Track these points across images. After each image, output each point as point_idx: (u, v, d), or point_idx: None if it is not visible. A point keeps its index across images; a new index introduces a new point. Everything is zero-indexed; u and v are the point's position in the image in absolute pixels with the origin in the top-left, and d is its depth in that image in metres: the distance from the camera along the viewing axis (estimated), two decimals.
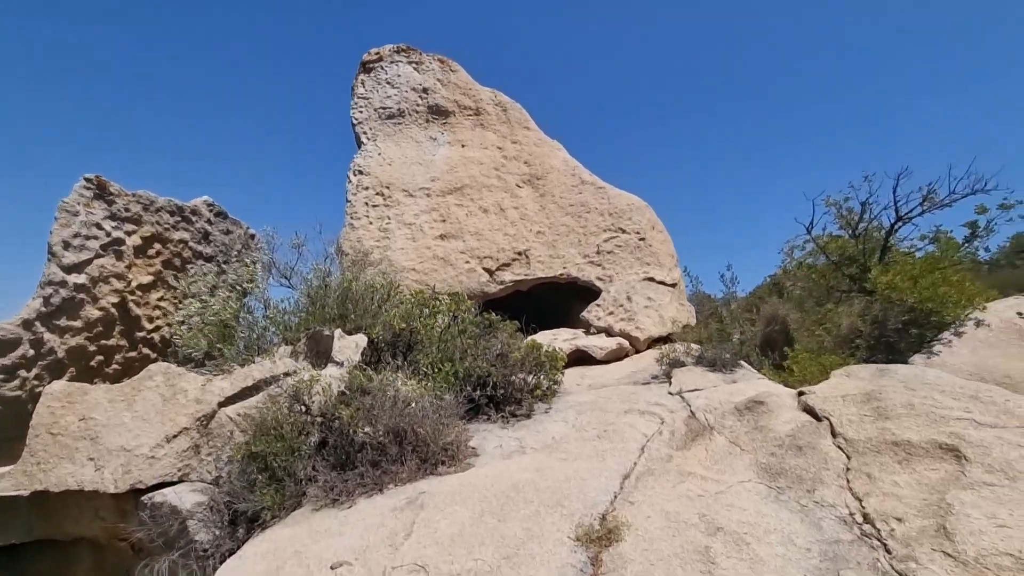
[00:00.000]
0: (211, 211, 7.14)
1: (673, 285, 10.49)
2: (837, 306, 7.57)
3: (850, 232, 8.50)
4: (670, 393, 5.64)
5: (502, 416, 5.60)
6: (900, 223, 7.85)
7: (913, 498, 2.81)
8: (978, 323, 6.21)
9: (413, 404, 4.61)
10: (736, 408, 4.61)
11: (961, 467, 2.90)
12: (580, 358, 8.89)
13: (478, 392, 5.58)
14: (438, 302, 6.58)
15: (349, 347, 5.62)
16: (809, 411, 4.20)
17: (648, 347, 9.06)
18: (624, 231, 11.10)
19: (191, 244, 6.77)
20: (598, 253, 10.93)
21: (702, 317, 10.71)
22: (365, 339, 5.75)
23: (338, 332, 5.69)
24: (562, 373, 6.52)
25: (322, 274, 6.76)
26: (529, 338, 9.26)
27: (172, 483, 4.46)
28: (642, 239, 10.96)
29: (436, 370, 5.72)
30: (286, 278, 6.90)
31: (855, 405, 3.93)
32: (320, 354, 6.08)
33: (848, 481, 3.16)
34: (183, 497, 4.19)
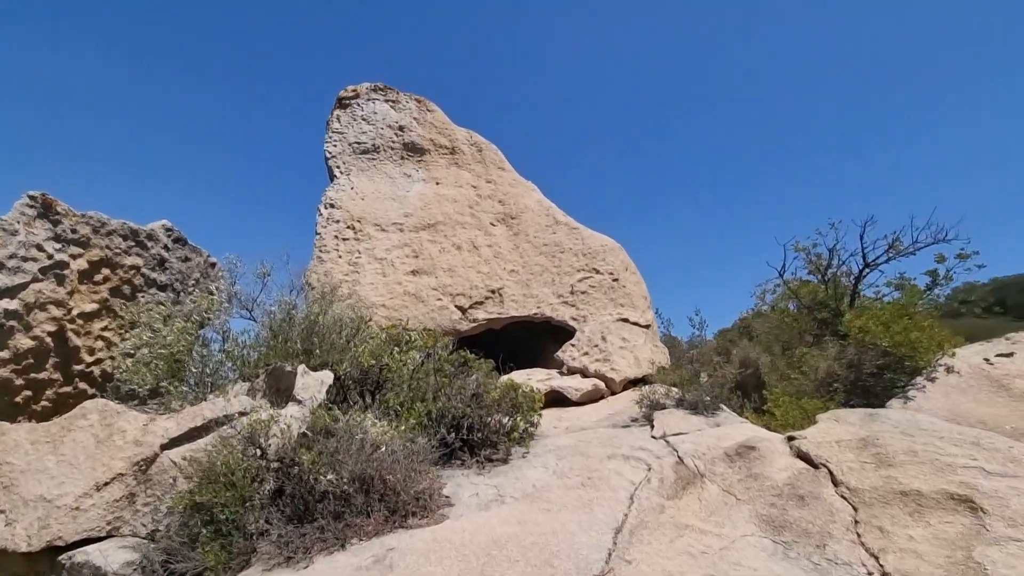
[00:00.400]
0: (169, 236, 6.66)
1: (647, 326, 10.37)
2: (810, 349, 7.53)
3: (819, 277, 8.64)
4: (653, 437, 5.35)
5: (477, 461, 5.18)
6: (868, 269, 8.03)
7: (935, 555, 2.57)
8: (948, 369, 6.22)
9: (382, 448, 4.18)
10: (726, 454, 4.35)
11: (980, 520, 2.69)
12: (555, 399, 8.55)
13: (452, 435, 5.17)
14: (411, 338, 6.20)
15: (313, 384, 5.17)
16: (804, 457, 3.98)
17: (623, 389, 8.82)
18: (598, 272, 11.02)
19: (144, 271, 6.25)
20: (572, 293, 10.77)
21: (674, 359, 10.58)
22: (331, 376, 5.30)
23: (301, 368, 5.23)
24: (540, 415, 6.17)
25: (287, 306, 6.31)
26: (505, 377, 8.90)
27: (99, 539, 3.86)
28: (616, 280, 10.88)
29: (408, 410, 5.30)
30: (248, 310, 6.42)
31: (852, 451, 3.73)
32: (281, 392, 5.58)
33: (859, 535, 2.91)
34: (110, 556, 3.61)
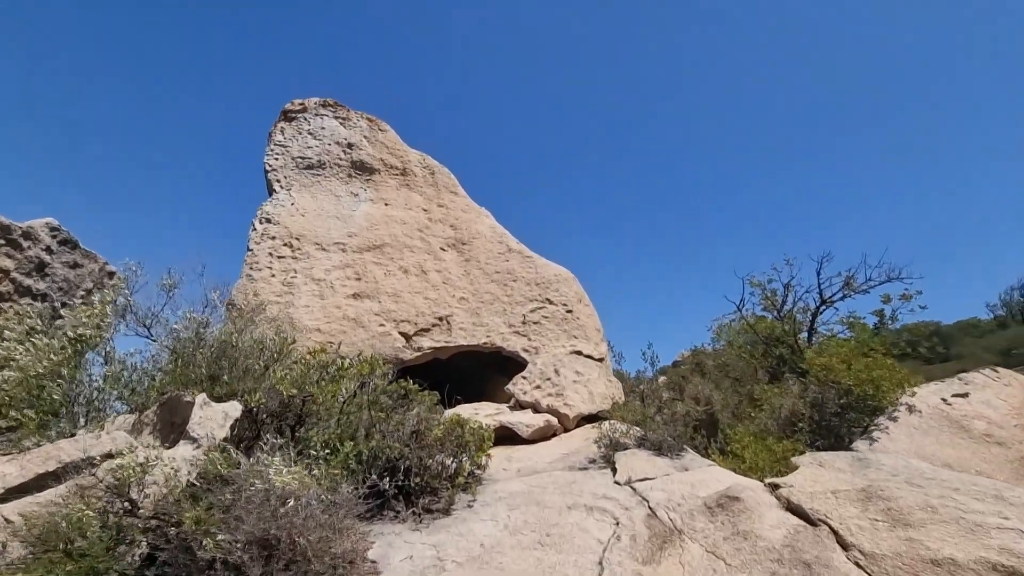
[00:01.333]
0: (54, 237, 5.53)
1: (600, 359, 9.83)
2: (770, 387, 7.17)
3: (775, 313, 8.44)
4: (617, 483, 4.67)
5: (415, 513, 4.31)
6: (824, 306, 7.88)
7: None
8: (910, 408, 5.95)
9: (293, 501, 3.28)
10: (706, 505, 3.72)
11: None
12: (504, 436, 7.76)
13: (386, 480, 4.29)
14: (343, 365, 5.31)
15: (214, 418, 4.18)
16: (796, 511, 3.40)
17: (577, 425, 8.15)
18: (551, 302, 10.46)
19: (16, 275, 5.08)
20: (524, 323, 10.13)
21: (625, 394, 10.06)
22: (239, 408, 4.34)
23: (201, 398, 4.25)
24: (489, 456, 5.38)
25: (195, 324, 5.30)
26: (450, 412, 8.04)
27: None
28: (569, 311, 10.35)
29: (333, 451, 4.39)
30: (146, 327, 5.35)
31: (854, 505, 3.18)
32: (176, 427, 4.54)
33: None
34: None
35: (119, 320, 5.13)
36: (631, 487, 4.45)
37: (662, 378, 13.18)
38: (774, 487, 3.81)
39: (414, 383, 6.20)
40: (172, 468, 3.52)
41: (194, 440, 4.04)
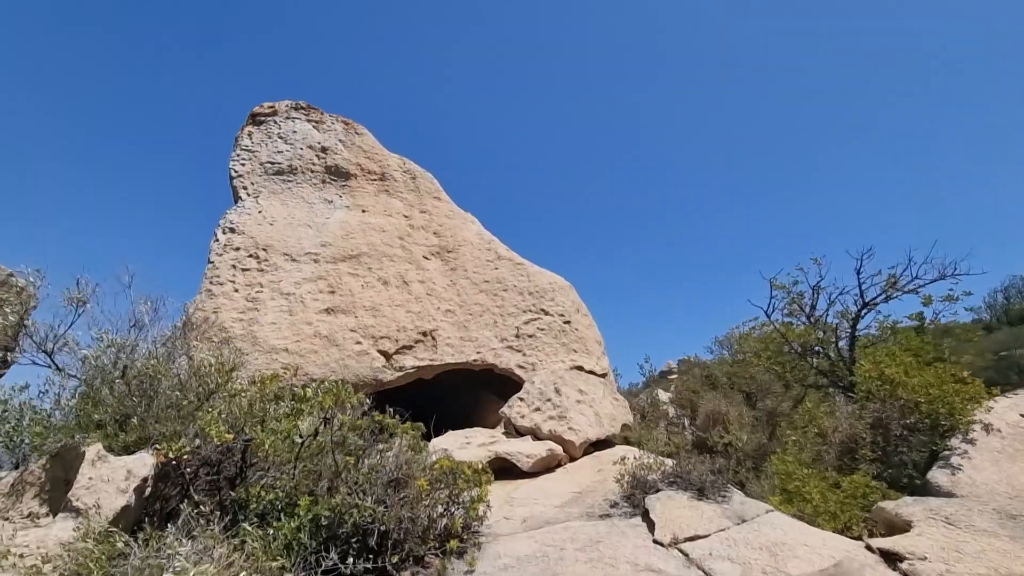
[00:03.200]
0: None
1: (603, 375, 8.74)
2: (816, 405, 6.12)
3: (803, 318, 7.45)
4: (658, 543, 3.53)
5: None
6: (866, 309, 6.88)
7: None
8: (987, 428, 4.96)
9: None
10: None
11: None
12: (502, 467, 6.59)
13: (352, 557, 3.10)
14: (303, 395, 4.10)
15: (111, 479, 2.96)
16: None
17: (583, 453, 7.01)
18: (547, 313, 9.37)
19: None
20: (517, 337, 9.01)
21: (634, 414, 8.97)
22: (150, 462, 3.12)
23: (94, 451, 3.03)
24: (488, 505, 4.21)
25: (114, 347, 4.07)
26: (437, 441, 6.84)
27: None
28: (567, 322, 9.26)
29: (283, 513, 3.20)
30: (47, 353, 4.10)
31: None
32: (70, 487, 3.30)
33: None
34: None
35: (7, 343, 3.87)
36: (680, 552, 3.32)
37: (663, 393, 12.12)
38: (891, 557, 2.72)
39: (394, 412, 5.01)
40: (36, 565, 2.32)
41: (78, 512, 2.81)
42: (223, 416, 3.46)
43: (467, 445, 6.69)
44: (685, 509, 3.94)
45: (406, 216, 10.99)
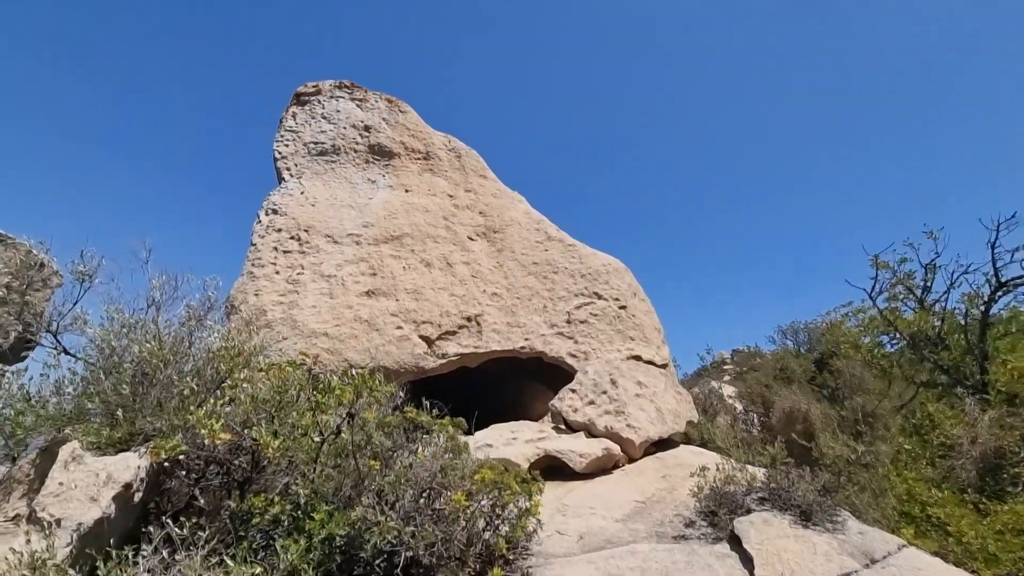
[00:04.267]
0: None
1: (664, 366, 7.84)
2: (942, 410, 5.00)
3: (914, 303, 6.24)
4: None
5: None
6: (1002, 291, 5.59)
7: None
8: None
9: None
10: None
11: None
12: (552, 467, 5.89)
13: None
14: (328, 385, 3.50)
15: (83, 484, 2.44)
16: None
17: (644, 453, 6.19)
18: (600, 297, 8.52)
19: None
20: (569, 323, 8.23)
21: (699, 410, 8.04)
22: (134, 463, 2.59)
23: (68, 450, 2.51)
24: (539, 520, 3.49)
25: (122, 328, 3.61)
26: (479, 436, 6.20)
27: None
28: (623, 307, 8.39)
29: (287, 535, 2.60)
30: (51, 332, 3.69)
31: None
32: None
33: None
34: None
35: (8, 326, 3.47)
36: None
37: (727, 387, 11.04)
38: None
39: (432, 404, 4.36)
40: None
41: (42, 527, 2.28)
42: (224, 410, 2.89)
43: (513, 441, 6.01)
44: (790, 540, 3.09)
45: (451, 195, 10.36)
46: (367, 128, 11.19)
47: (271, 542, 2.72)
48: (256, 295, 8.55)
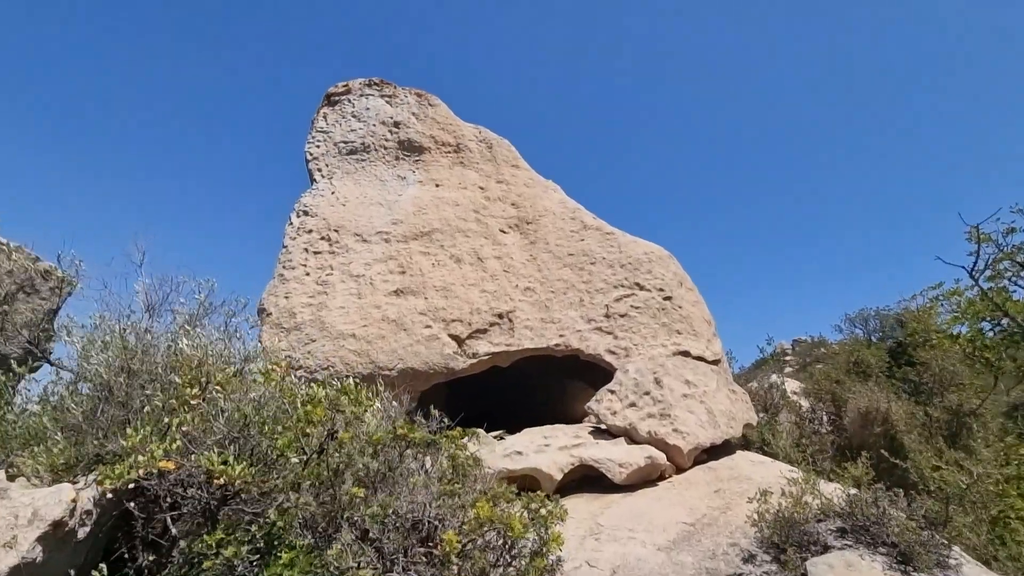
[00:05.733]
0: None
1: (715, 362, 6.99)
2: None
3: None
4: None
5: None
6: None
7: None
8: None
9: None
10: None
11: None
12: (587, 476, 5.25)
13: None
14: (313, 397, 3.01)
15: (4, 527, 2.05)
16: None
17: (693, 461, 5.42)
18: (642, 287, 7.74)
19: None
20: (607, 317, 7.51)
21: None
22: (67, 496, 2.18)
23: None
24: (558, 555, 2.87)
25: (113, 337, 3.27)
26: (510, 448, 5.62)
27: None
28: (667, 298, 7.58)
29: None
30: (31, 343, 3.40)
31: None
32: None
33: None
34: None
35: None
36: None
37: (791, 382, 9.94)
38: None
39: (453, 410, 3.81)
40: None
41: None
42: (180, 430, 2.45)
43: (545, 448, 5.40)
44: None
45: (482, 188, 9.83)
46: (396, 124, 10.84)
47: None
48: (286, 297, 8.35)
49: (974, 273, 4.75)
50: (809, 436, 7.08)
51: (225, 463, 2.34)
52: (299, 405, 2.94)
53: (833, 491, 3.21)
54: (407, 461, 2.97)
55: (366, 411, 2.80)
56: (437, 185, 9.94)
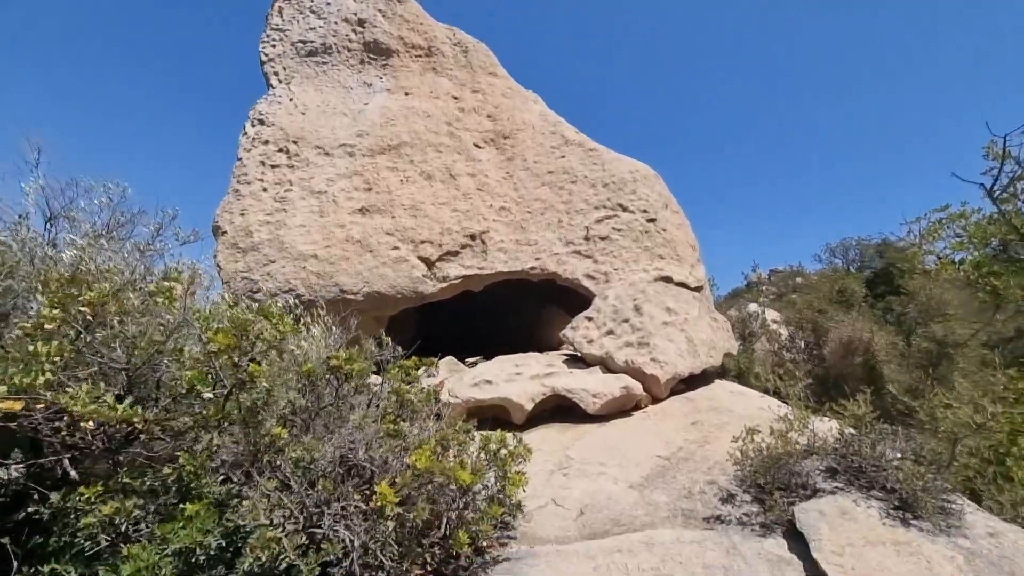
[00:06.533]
0: None
1: (698, 288, 6.62)
2: None
3: None
4: None
5: None
6: None
7: None
8: None
9: None
10: None
11: None
12: (560, 406, 4.97)
13: None
14: (207, 320, 2.47)
15: None
16: None
17: (670, 391, 5.17)
18: (625, 209, 7.18)
19: None
20: (587, 239, 7.00)
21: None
22: None
23: None
24: (523, 482, 2.52)
25: None
26: (479, 376, 5.26)
27: None
28: (651, 220, 7.05)
29: (135, 546, 1.71)
30: None
31: None
32: None
33: None
34: None
35: None
36: None
37: (771, 313, 9.75)
38: None
39: (393, 342, 3.35)
40: None
41: None
42: (51, 359, 1.93)
43: (516, 376, 5.06)
44: (887, 549, 2.01)
45: (455, 97, 8.87)
46: (361, 22, 9.57)
47: (118, 549, 1.86)
48: (242, 215, 7.62)
49: (993, 191, 4.30)
50: (784, 365, 6.89)
51: (96, 400, 1.84)
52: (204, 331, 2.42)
53: (827, 429, 2.90)
54: (348, 397, 2.52)
55: (283, 338, 2.30)
56: (407, 94, 8.93)
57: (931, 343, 5.44)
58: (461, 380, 5.17)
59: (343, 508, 2.04)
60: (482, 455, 2.49)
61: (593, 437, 4.25)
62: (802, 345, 7.25)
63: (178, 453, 2.18)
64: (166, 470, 2.16)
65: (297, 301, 6.72)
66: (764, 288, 21.90)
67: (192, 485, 2.10)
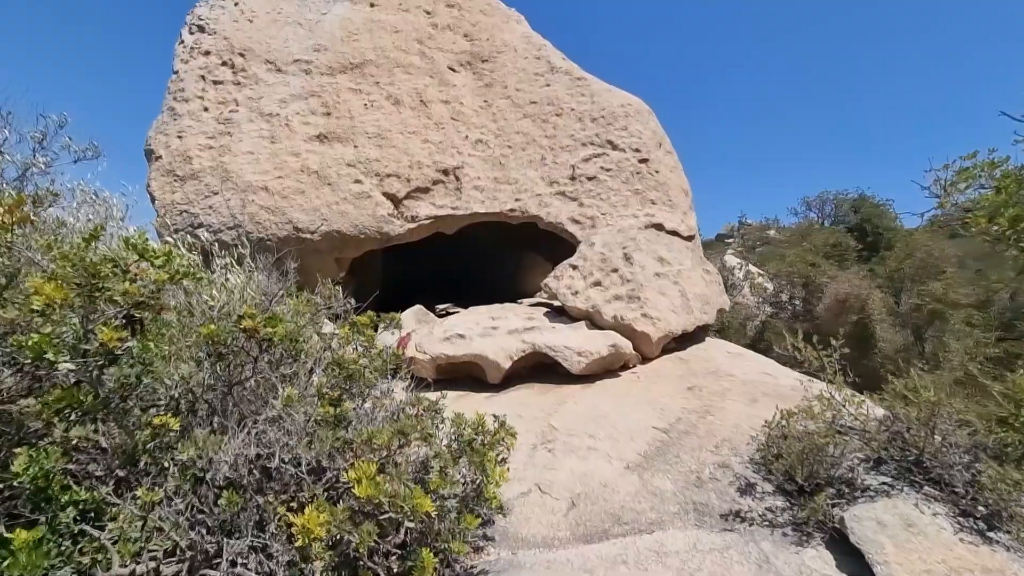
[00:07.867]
0: None
1: (690, 238, 6.05)
2: None
3: None
4: None
5: None
6: None
7: None
8: None
9: None
10: None
11: None
12: (540, 364, 4.43)
13: None
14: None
15: None
16: None
17: (661, 351, 4.67)
18: (615, 147, 6.43)
19: None
20: (573, 179, 6.26)
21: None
22: None
23: None
24: (503, 470, 1.97)
25: None
26: (450, 330, 4.63)
27: None
28: (643, 161, 6.34)
29: None
30: None
31: None
32: None
33: None
34: None
35: None
36: None
37: (753, 268, 9.36)
38: None
39: (355, 287, 2.66)
40: None
41: None
42: None
43: (492, 331, 4.46)
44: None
45: (428, 12, 7.69)
46: None
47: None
48: (179, 137, 6.53)
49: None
50: (769, 319, 6.50)
51: None
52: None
53: (875, 411, 2.41)
54: (272, 369, 1.85)
55: (160, 288, 1.58)
56: (372, 5, 7.70)
57: (930, 300, 5.11)
58: (431, 333, 4.55)
59: (256, 533, 1.43)
60: (455, 445, 1.89)
61: (578, 402, 3.74)
62: (786, 299, 6.86)
63: (17, 450, 1.50)
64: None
65: (245, 239, 5.88)
66: (729, 241, 21.60)
67: (40, 497, 1.44)
